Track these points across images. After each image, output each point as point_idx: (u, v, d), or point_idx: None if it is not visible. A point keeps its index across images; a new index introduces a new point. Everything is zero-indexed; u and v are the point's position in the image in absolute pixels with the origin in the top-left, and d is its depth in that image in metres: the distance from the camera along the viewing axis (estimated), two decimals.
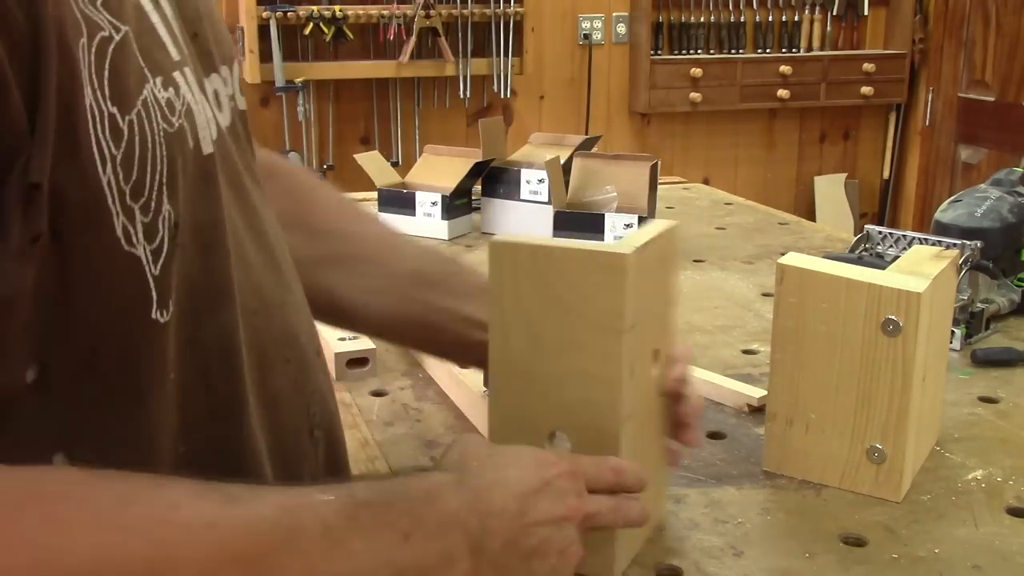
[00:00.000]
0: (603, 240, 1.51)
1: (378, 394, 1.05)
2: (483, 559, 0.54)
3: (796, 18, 4.07)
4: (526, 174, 1.68)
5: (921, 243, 1.21)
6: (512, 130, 3.62)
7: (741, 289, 1.40)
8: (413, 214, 1.68)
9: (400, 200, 1.69)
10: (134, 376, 0.51)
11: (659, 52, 3.91)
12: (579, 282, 0.66)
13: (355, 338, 1.11)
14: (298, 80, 3.48)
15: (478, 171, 1.68)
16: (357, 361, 1.08)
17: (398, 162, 3.65)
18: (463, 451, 0.61)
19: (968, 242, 1.17)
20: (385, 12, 3.50)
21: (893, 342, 0.79)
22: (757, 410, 0.99)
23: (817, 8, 4.09)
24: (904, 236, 1.27)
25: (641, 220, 1.51)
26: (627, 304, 0.66)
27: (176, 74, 0.54)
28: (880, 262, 1.18)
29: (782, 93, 3.98)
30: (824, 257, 0.87)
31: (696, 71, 3.85)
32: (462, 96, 3.68)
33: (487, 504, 0.56)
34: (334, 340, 1.10)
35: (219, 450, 0.56)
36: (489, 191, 1.71)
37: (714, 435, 0.95)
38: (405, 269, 0.83)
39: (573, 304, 0.67)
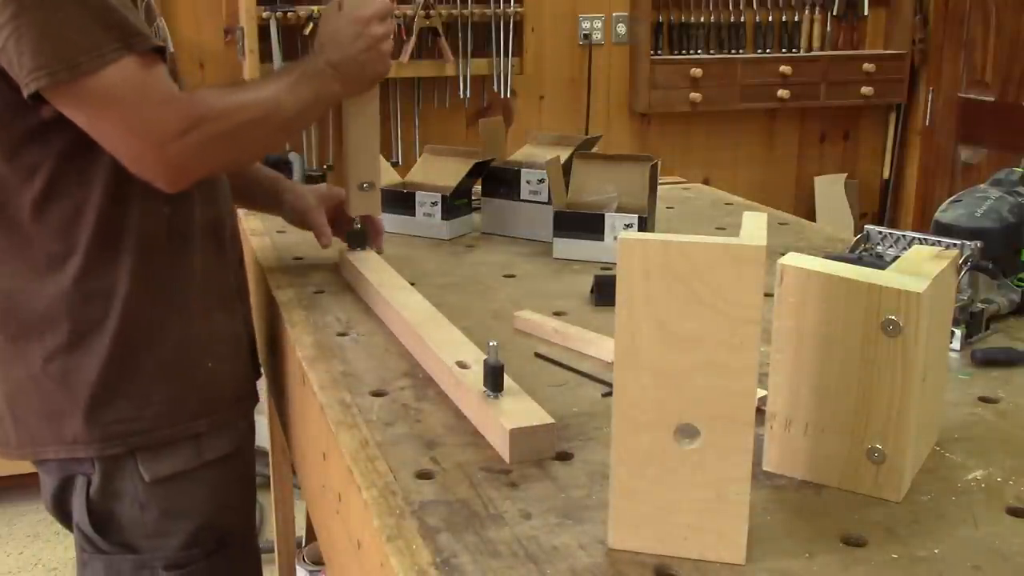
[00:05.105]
0: (603, 241, 1.52)
1: (378, 394, 1.05)
2: (340, 71, 1.27)
3: (796, 18, 4.07)
4: (526, 174, 1.68)
5: (921, 243, 1.21)
6: (512, 130, 3.62)
7: None
8: (413, 214, 1.68)
9: (400, 200, 1.69)
10: None
11: (659, 52, 3.90)
12: (714, 275, 0.68)
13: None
14: None
15: (478, 171, 1.68)
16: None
17: (398, 162, 3.65)
18: (321, 32, 1.29)
19: (968, 242, 1.17)
20: None
21: (893, 342, 0.79)
22: (757, 410, 0.98)
23: (817, 8, 4.09)
24: (904, 236, 1.27)
25: (641, 220, 1.51)
26: (762, 294, 0.68)
27: None
28: (880, 262, 1.18)
29: (782, 93, 3.98)
30: (824, 257, 0.87)
31: (696, 71, 3.85)
32: (462, 96, 3.68)
33: (335, 55, 1.27)
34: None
35: None
36: (489, 191, 1.71)
37: None
38: None
39: (706, 297, 0.69)
